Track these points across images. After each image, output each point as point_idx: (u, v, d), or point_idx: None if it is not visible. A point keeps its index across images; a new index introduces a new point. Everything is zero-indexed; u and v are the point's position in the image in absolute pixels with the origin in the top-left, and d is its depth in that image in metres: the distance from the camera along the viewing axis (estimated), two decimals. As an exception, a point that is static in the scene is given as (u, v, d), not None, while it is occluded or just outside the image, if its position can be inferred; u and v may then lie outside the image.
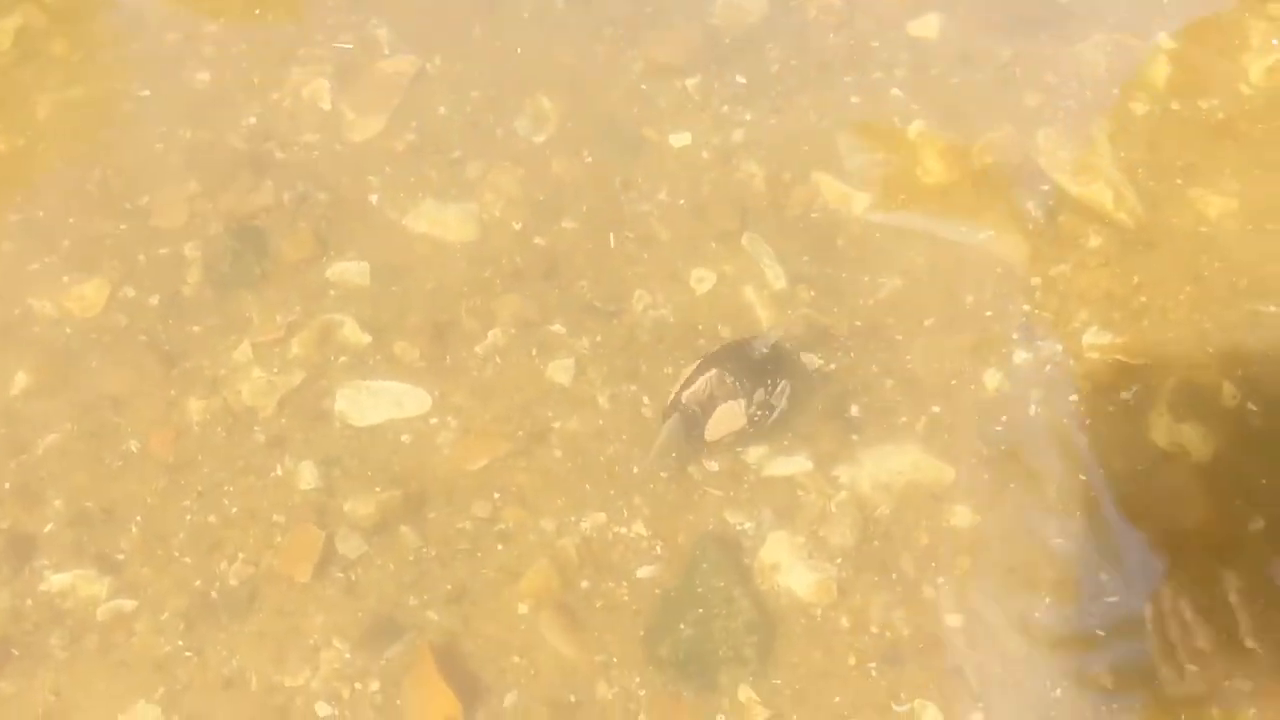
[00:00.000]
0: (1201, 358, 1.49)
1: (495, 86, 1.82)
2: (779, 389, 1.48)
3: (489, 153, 1.76)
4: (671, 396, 1.47)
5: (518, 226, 1.66)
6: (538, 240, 1.65)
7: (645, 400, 1.50)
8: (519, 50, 1.85)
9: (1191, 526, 1.38)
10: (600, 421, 1.49)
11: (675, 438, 1.43)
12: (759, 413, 1.46)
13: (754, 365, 1.47)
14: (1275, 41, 1.78)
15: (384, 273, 1.62)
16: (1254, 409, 1.45)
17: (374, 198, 1.69)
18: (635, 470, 1.46)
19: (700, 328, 1.57)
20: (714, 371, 1.46)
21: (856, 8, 1.88)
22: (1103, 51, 1.80)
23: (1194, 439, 1.44)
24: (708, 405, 1.44)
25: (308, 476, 1.43)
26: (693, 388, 1.45)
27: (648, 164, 1.73)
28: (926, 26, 1.86)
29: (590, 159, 1.73)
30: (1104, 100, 1.76)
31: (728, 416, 1.44)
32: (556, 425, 1.48)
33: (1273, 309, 1.53)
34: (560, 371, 1.53)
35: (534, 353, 1.54)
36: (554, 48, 1.86)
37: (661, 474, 1.45)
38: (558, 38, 1.87)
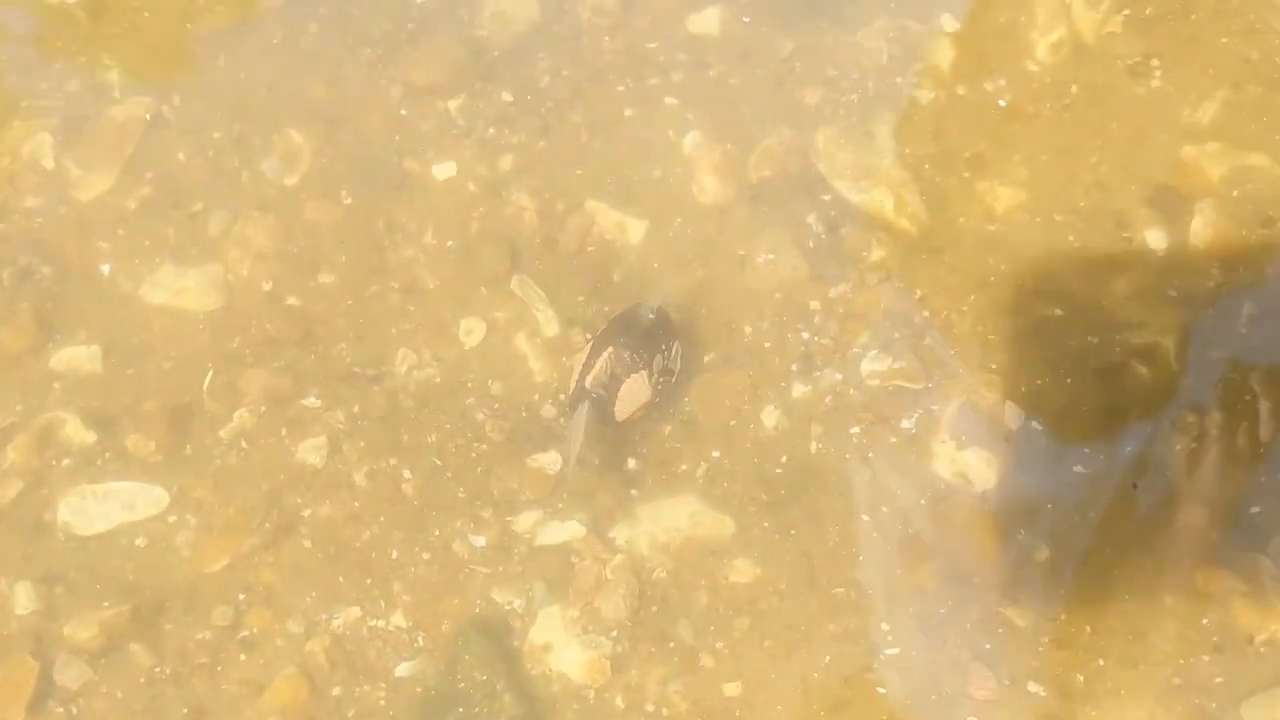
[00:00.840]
0: (985, 375, 1.43)
1: (241, 125, 1.70)
2: (674, 352, 1.46)
3: (234, 202, 1.64)
4: (573, 387, 1.42)
5: (268, 287, 1.56)
6: (291, 300, 1.55)
7: (406, 474, 1.43)
8: (267, 82, 1.72)
9: (974, 564, 1.30)
10: (356, 503, 1.42)
11: (590, 429, 1.40)
12: (661, 380, 1.44)
13: (646, 333, 1.44)
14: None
15: (118, 355, 1.52)
16: (1038, 427, 1.38)
17: (105, 267, 1.58)
18: (561, 473, 1.44)
19: (469, 385, 1.49)
20: (610, 350, 1.42)
21: (632, 7, 1.78)
22: (884, 38, 1.73)
23: (977, 467, 1.36)
24: (612, 385, 1.41)
25: (23, 600, 1.33)
26: (593, 371, 1.41)
27: (412, 201, 1.63)
28: (706, 22, 1.76)
29: (349, 200, 1.63)
30: (887, 91, 1.69)
31: (633, 391, 1.42)
32: (307, 513, 1.41)
33: (1058, 312, 1.48)
34: (312, 452, 1.45)
35: (284, 432, 1.46)
36: (305, 76, 1.74)
37: (583, 474, 1.43)
38: (309, 65, 1.75)
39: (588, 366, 1.41)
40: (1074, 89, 1.66)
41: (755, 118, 1.66)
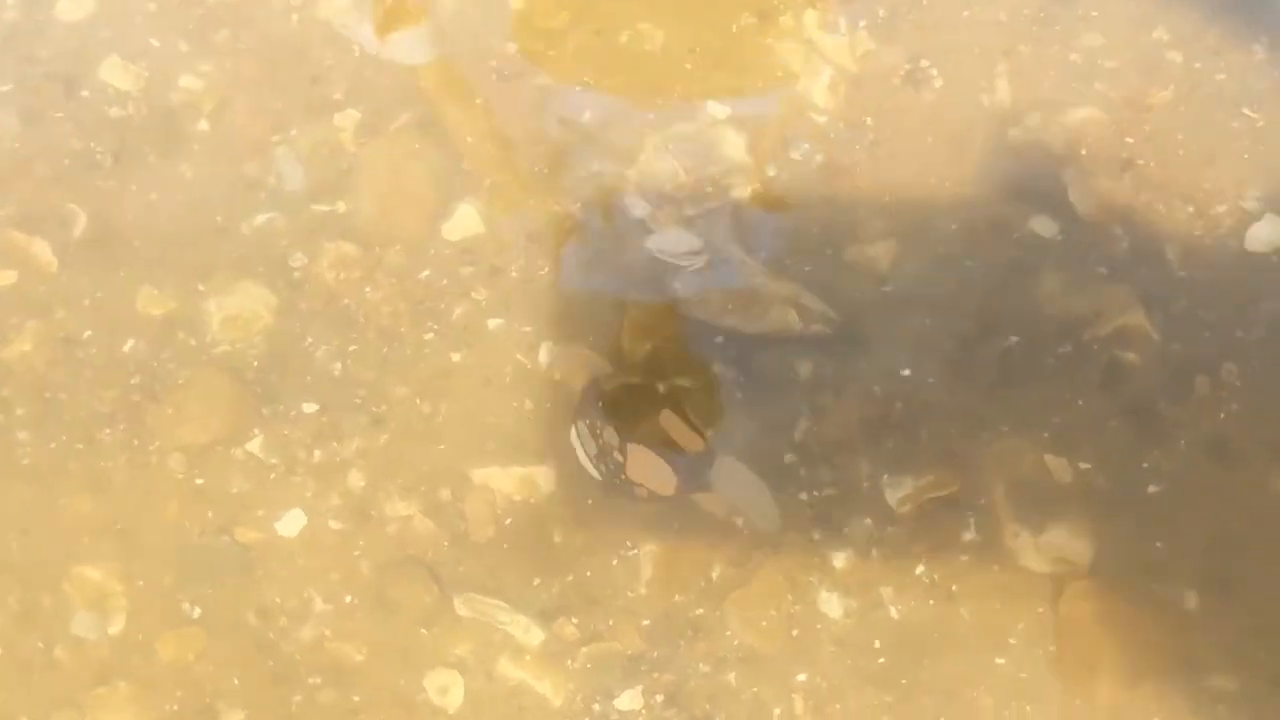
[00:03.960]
0: (1003, 443, 1.26)
1: (14, 594, 1.31)
2: None
3: (68, 691, 1.25)
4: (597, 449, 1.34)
5: None
6: None
7: None
8: (19, 530, 1.32)
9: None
10: None
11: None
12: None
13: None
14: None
15: None
16: (1086, 466, 1.22)
17: None
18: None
19: None
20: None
21: (376, 239, 1.46)
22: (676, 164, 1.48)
23: (1066, 541, 1.20)
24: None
25: None
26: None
27: (271, 575, 1.34)
28: (465, 222, 1.46)
29: (197, 611, 1.29)
30: (715, 207, 1.43)
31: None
32: None
33: (1014, 339, 1.35)
34: None
35: None
36: (55, 500, 1.38)
37: None
38: (52, 485, 1.38)
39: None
40: (869, 120, 1.53)
41: (598, 301, 1.40)
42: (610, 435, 1.38)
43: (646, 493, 1.35)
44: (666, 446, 1.36)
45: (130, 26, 1.73)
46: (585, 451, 1.39)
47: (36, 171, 1.66)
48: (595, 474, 1.37)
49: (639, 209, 1.59)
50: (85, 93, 1.67)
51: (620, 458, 1.37)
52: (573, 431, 1.42)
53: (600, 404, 1.39)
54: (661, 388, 1.41)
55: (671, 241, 1.54)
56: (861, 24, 1.71)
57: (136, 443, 1.43)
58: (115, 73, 1.70)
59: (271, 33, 1.75)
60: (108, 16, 1.72)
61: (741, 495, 1.33)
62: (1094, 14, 1.70)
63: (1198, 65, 1.67)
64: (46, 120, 1.63)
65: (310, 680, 1.27)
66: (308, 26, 1.73)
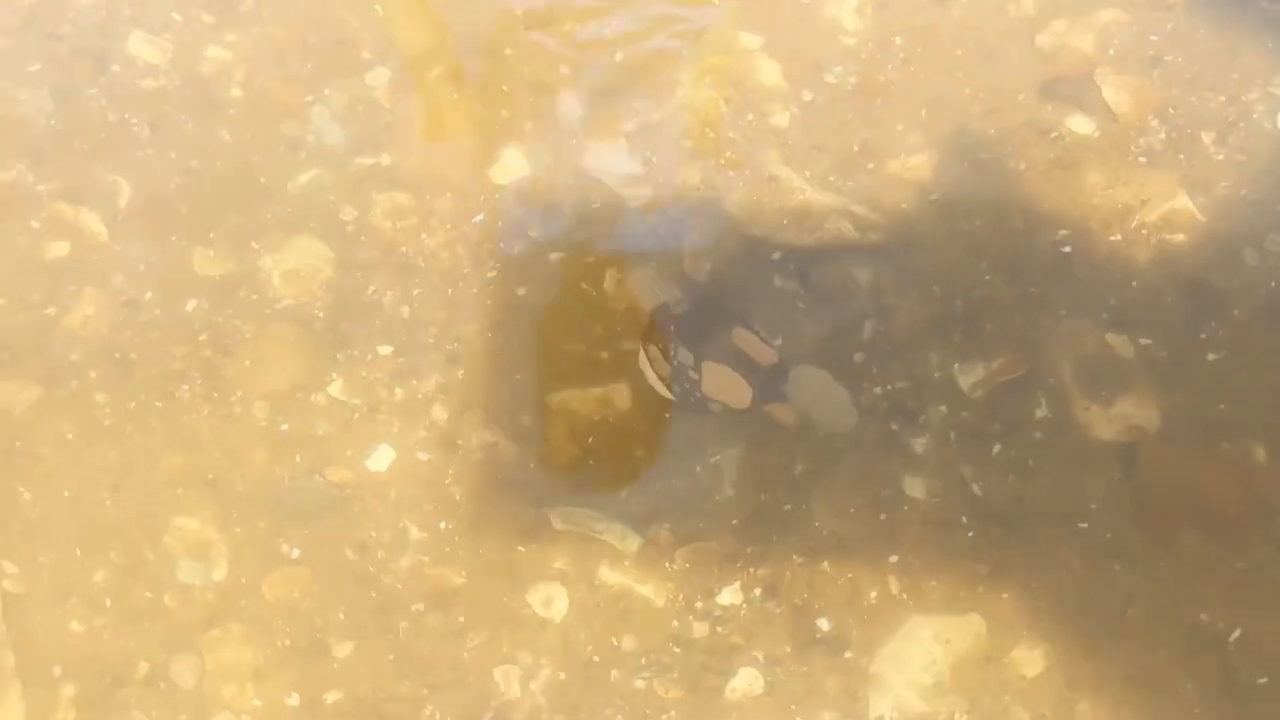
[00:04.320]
0: (1061, 327, 1.28)
1: (116, 549, 1.32)
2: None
3: (182, 636, 1.27)
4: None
5: (294, 700, 1.28)
6: (331, 697, 1.26)
7: None
8: (111, 486, 1.35)
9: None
10: None
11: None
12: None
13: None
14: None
15: None
16: (1146, 340, 1.26)
17: None
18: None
19: (598, 660, 1.27)
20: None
21: (426, 188, 1.51)
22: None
23: (1134, 410, 1.27)
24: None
25: None
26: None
27: (365, 506, 1.37)
28: (513, 166, 1.49)
29: (296, 551, 1.32)
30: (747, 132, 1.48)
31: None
32: None
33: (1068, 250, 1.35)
34: None
35: None
36: (143, 457, 1.37)
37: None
38: (138, 442, 1.37)
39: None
40: (898, 40, 1.60)
41: (655, 227, 1.44)
42: (684, 355, 1.44)
43: (721, 407, 1.41)
44: (740, 362, 1.42)
45: (151, 2, 1.78)
46: (657, 373, 1.45)
47: (75, 146, 1.69)
48: (668, 394, 1.42)
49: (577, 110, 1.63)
50: (116, 67, 1.71)
51: (695, 376, 1.42)
52: (641, 356, 1.47)
53: (672, 326, 1.45)
54: (728, 305, 1.50)
55: (608, 160, 1.59)
56: (884, -60, 1.79)
57: (216, 395, 1.48)
58: (143, 46, 1.74)
59: (293, 1, 1.79)
60: (128, -9, 1.80)
61: (819, 400, 1.38)
62: None
63: None
64: (80, 96, 1.67)
65: (414, 607, 1.32)
66: None
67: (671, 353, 1.42)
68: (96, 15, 1.72)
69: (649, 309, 1.46)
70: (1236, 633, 1.23)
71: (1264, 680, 1.20)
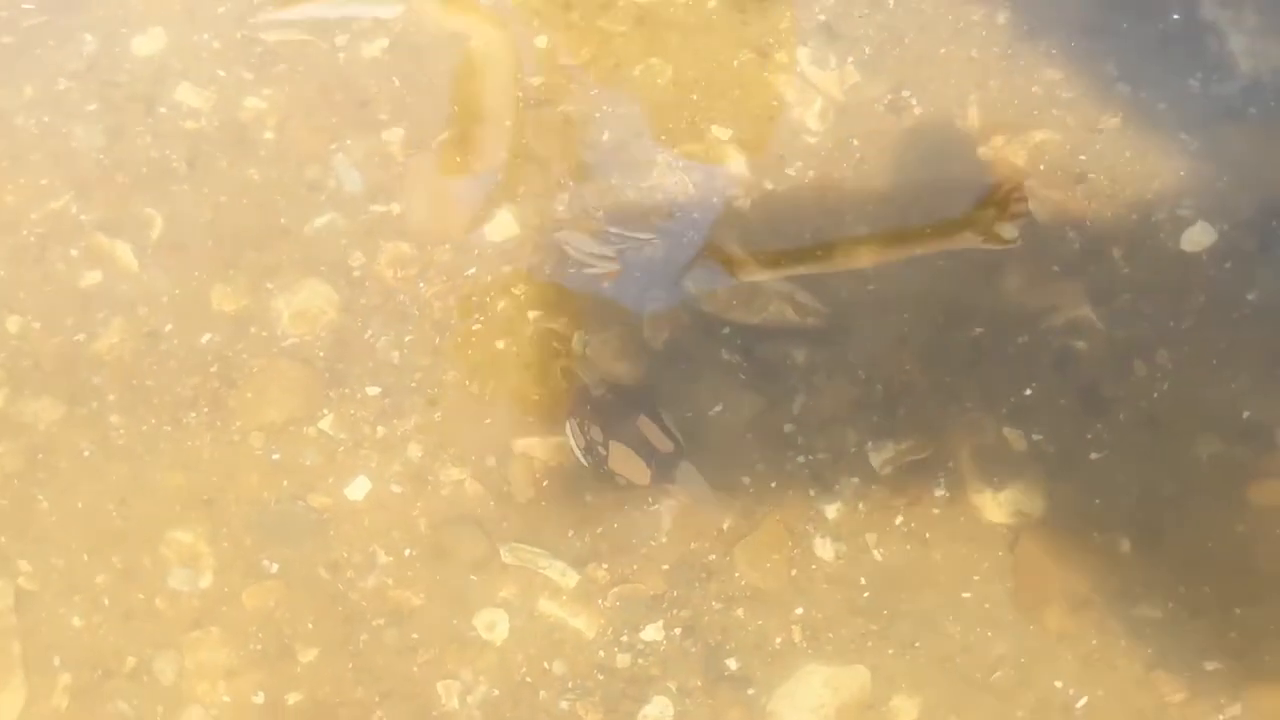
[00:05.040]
0: (970, 415, 1.46)
1: (116, 556, 1.51)
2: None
3: (164, 637, 1.45)
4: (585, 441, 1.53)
5: (259, 699, 1.39)
6: (292, 698, 1.42)
7: None
8: (114, 501, 1.54)
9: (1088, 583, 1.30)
10: None
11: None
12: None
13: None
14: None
15: None
16: (1039, 437, 1.42)
17: None
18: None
19: (530, 681, 1.41)
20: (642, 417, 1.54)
21: (427, 240, 1.67)
22: (676, 175, 1.68)
23: (1023, 497, 1.44)
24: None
25: None
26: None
27: (341, 534, 1.51)
28: (504, 226, 1.66)
29: (275, 566, 1.49)
30: (709, 211, 1.64)
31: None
32: None
33: (979, 330, 1.55)
34: None
35: None
36: (149, 472, 1.56)
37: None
38: (144, 461, 1.57)
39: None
40: (855, 142, 1.73)
41: (620, 297, 1.59)
42: (595, 433, 1.58)
43: (625, 481, 1.55)
44: (642, 446, 1.56)
45: (198, 60, 1.94)
46: (575, 444, 1.58)
47: (118, 180, 1.86)
48: (584, 463, 1.57)
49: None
50: (163, 109, 1.89)
51: (604, 452, 1.57)
52: (566, 427, 1.61)
53: (588, 406, 1.60)
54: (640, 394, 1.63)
55: (579, 242, 1.74)
56: (849, 60, 1.93)
57: (219, 423, 1.64)
58: (188, 94, 1.91)
59: (322, 66, 1.95)
60: (177, 51, 1.92)
61: (696, 495, 1.51)
62: (1054, 52, 1.91)
63: (1143, 95, 1.88)
64: (128, 134, 1.85)
65: (375, 622, 1.48)
66: (353, 63, 1.94)
67: (585, 429, 1.59)
68: (151, 67, 1.89)
69: (574, 387, 1.62)
70: (1083, 700, 1.37)
71: (1084, 702, 1.35)
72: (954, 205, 1.74)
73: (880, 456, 1.52)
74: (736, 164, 1.81)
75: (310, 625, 1.47)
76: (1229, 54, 1.90)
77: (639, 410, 1.57)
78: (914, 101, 1.85)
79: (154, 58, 1.93)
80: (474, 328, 1.71)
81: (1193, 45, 1.87)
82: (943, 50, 1.88)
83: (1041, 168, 1.75)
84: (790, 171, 1.79)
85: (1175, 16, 1.88)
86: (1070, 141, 1.84)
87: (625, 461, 1.54)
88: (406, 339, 1.70)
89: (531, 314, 1.68)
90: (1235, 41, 1.92)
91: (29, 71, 1.90)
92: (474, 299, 1.74)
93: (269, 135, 1.83)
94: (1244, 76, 1.87)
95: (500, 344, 1.66)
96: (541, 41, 1.98)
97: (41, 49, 1.92)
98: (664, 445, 1.54)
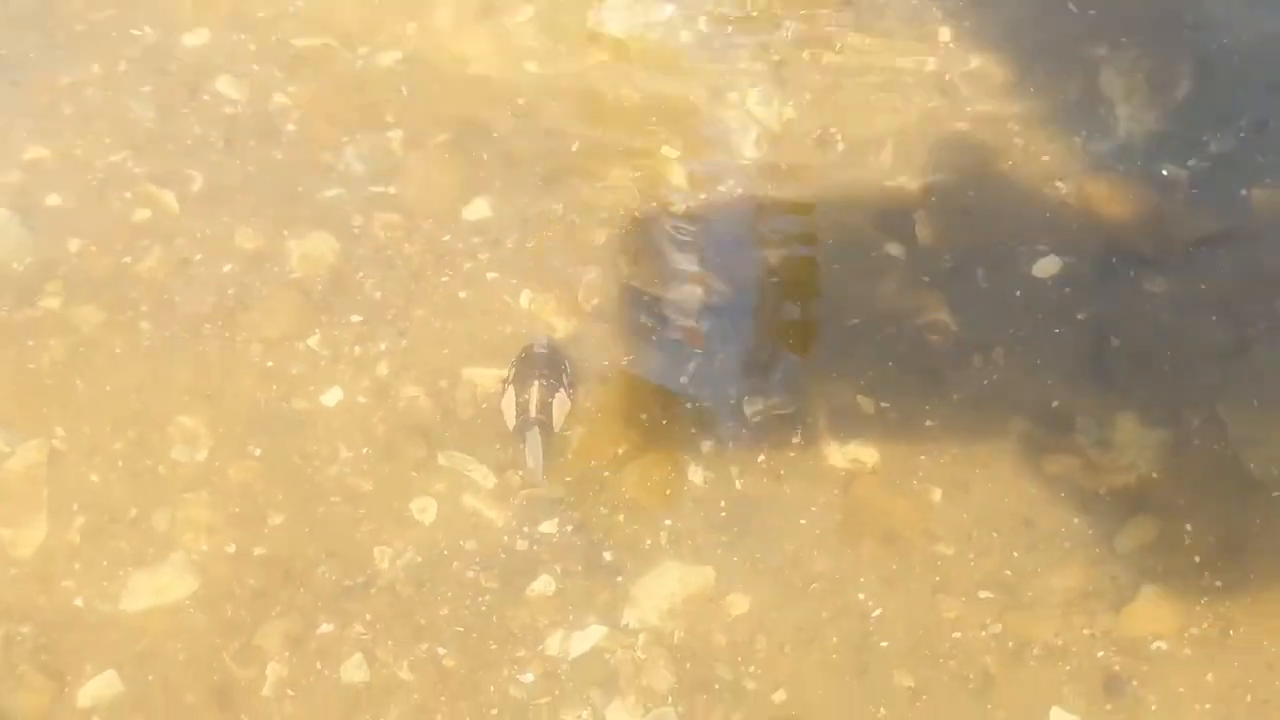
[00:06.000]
0: (835, 384, 1.77)
1: (132, 430, 1.81)
2: (568, 367, 1.81)
3: (163, 495, 1.76)
4: (516, 420, 1.73)
5: (231, 550, 1.68)
6: (258, 551, 1.70)
7: (441, 651, 1.56)
8: (134, 386, 1.86)
9: (903, 520, 1.59)
10: (415, 696, 1.59)
11: (540, 445, 1.72)
12: (570, 390, 1.79)
13: (548, 360, 1.79)
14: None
15: (132, 669, 1.60)
16: (886, 405, 1.76)
17: (78, 601, 1.67)
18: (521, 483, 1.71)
19: (447, 553, 1.69)
20: (535, 383, 1.76)
21: (413, 213, 1.95)
22: (629, 177, 1.99)
23: (862, 451, 1.73)
24: (544, 408, 1.74)
25: None
26: (533, 402, 1.74)
27: (316, 431, 1.83)
28: (479, 209, 1.95)
29: (259, 451, 1.77)
30: (649, 214, 1.94)
31: (561, 406, 1.77)
32: None
33: (856, 321, 1.83)
34: (353, 670, 1.60)
35: (319, 666, 1.60)
36: (165, 369, 1.88)
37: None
38: (164, 358, 1.89)
39: (523, 402, 1.75)
40: (783, 167, 2.05)
41: (565, 268, 1.91)
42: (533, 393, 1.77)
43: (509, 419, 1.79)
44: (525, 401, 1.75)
45: (238, 56, 2.28)
46: (511, 410, 1.77)
47: (167, 148, 2.19)
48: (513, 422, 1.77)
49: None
50: (206, 97, 2.23)
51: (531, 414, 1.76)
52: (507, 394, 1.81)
53: (527, 363, 1.80)
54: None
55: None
56: (790, 102, 2.24)
57: (228, 335, 1.94)
58: (228, 85, 2.25)
59: (342, 72, 2.27)
60: (220, 46, 2.28)
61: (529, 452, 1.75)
62: (968, 109, 2.18)
63: (1033, 148, 2.15)
64: (175, 113, 2.19)
65: (332, 499, 1.74)
66: (369, 71, 2.23)
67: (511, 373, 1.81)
68: (197, 58, 2.26)
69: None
70: (878, 611, 1.61)
71: (885, 644, 1.57)
72: (853, 226, 2.00)
73: (753, 408, 1.80)
74: (679, 177, 2.09)
75: (280, 497, 1.73)
76: (1114, 119, 2.18)
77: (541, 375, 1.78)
78: (839, 139, 2.14)
79: (201, 49, 2.27)
80: (443, 279, 2.02)
81: (1085, 110, 2.17)
82: (873, 97, 2.20)
83: (933, 199, 2.06)
84: (722, 187, 2.08)
85: (1077, 84, 2.17)
86: (963, 181, 2.11)
87: (508, 404, 1.73)
88: (388, 283, 2.00)
89: (490, 275, 1.98)
90: (1120, 109, 2.21)
91: (97, 53, 2.27)
92: (447, 259, 2.05)
93: (291, 126, 2.15)
94: (1120, 138, 2.17)
95: (463, 294, 1.98)
96: (531, 67, 2.32)
97: (107, 38, 2.30)
98: (536, 409, 1.73)
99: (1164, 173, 2.04)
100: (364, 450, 1.79)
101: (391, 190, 2.08)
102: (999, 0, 2.32)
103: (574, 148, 2.15)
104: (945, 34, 2.26)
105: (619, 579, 1.66)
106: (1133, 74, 2.20)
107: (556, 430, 1.76)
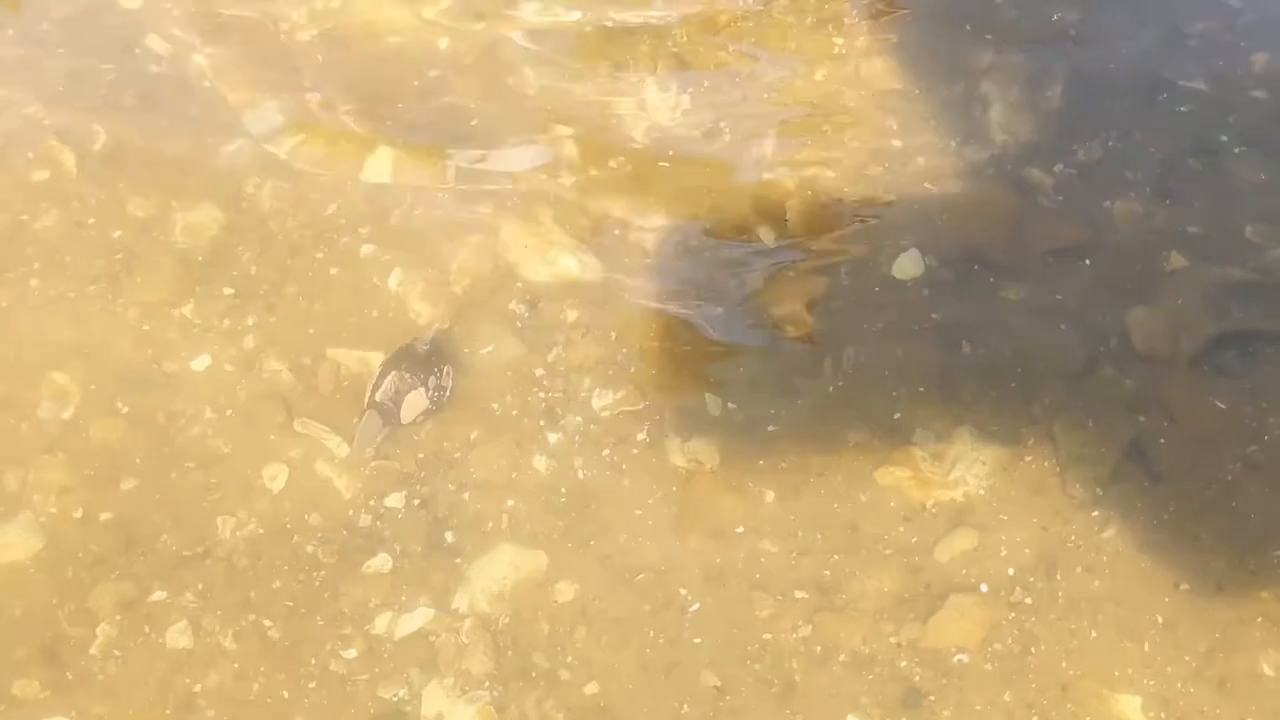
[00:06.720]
0: (682, 380, 1.73)
1: (5, 385, 1.81)
2: (446, 372, 1.81)
3: (21, 454, 1.76)
4: (368, 397, 1.77)
5: (79, 514, 1.70)
6: (104, 516, 1.71)
7: (268, 624, 1.57)
8: (13, 341, 1.85)
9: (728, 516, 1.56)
10: (235, 665, 1.61)
11: (372, 428, 1.75)
12: (436, 394, 1.78)
13: (423, 359, 1.80)
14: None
15: None
16: (734, 406, 1.76)
17: None
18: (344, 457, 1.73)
19: (289, 525, 1.68)
20: (394, 373, 1.78)
21: (304, 184, 1.90)
22: (531, 152, 1.99)
23: (703, 449, 1.72)
24: (397, 398, 1.76)
25: None
26: (381, 388, 1.77)
27: (182, 393, 1.84)
28: (378, 171, 1.91)
29: (126, 409, 1.79)
30: (540, 188, 1.92)
31: (413, 402, 1.77)
32: (198, 688, 1.59)
33: (720, 310, 1.80)
34: (179, 636, 1.62)
35: (147, 630, 1.63)
36: (47, 326, 1.89)
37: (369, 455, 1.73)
38: (46, 315, 1.88)
39: (376, 386, 1.78)
40: (670, 152, 2.06)
41: (443, 242, 1.88)
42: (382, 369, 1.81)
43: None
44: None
45: (166, 19, 2.25)
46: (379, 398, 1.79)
47: (79, 103, 2.17)
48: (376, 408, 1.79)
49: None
50: (137, 50, 2.21)
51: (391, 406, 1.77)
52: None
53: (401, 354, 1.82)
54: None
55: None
56: (688, 91, 2.20)
57: (110, 296, 1.94)
58: (156, 43, 2.22)
59: (264, 39, 2.24)
60: (150, 11, 2.24)
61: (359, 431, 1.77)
62: (851, 105, 2.12)
63: (910, 150, 2.09)
64: (95, 71, 2.16)
65: (187, 464, 1.75)
66: (291, 40, 2.20)
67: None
68: (130, 19, 2.22)
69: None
70: (696, 605, 1.59)
71: (698, 640, 1.56)
72: (733, 208, 1.99)
73: (602, 402, 1.79)
74: (571, 153, 2.07)
75: (138, 460, 1.74)
76: (989, 125, 2.17)
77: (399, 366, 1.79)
78: (726, 131, 2.11)
79: (135, 11, 2.24)
80: (317, 256, 2.01)
81: (961, 113, 2.15)
82: (765, 95, 2.17)
83: (809, 193, 2.02)
84: (612, 164, 2.06)
85: (959, 90, 2.13)
86: (841, 177, 2.08)
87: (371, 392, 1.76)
88: (265, 258, 1.98)
89: (364, 250, 1.95)
90: (995, 115, 2.18)
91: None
92: (327, 234, 2.03)
93: (207, 84, 2.13)
94: (995, 146, 2.14)
95: (334, 271, 1.97)
96: (444, 44, 2.28)
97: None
98: (380, 392, 1.74)
99: (1030, 180, 2.02)
100: (227, 413, 1.79)
101: (284, 153, 2.04)
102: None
103: (473, 123, 2.13)
104: (839, 42, 2.21)
105: (457, 561, 1.65)
106: (1011, 83, 2.16)
107: (404, 423, 1.75)
